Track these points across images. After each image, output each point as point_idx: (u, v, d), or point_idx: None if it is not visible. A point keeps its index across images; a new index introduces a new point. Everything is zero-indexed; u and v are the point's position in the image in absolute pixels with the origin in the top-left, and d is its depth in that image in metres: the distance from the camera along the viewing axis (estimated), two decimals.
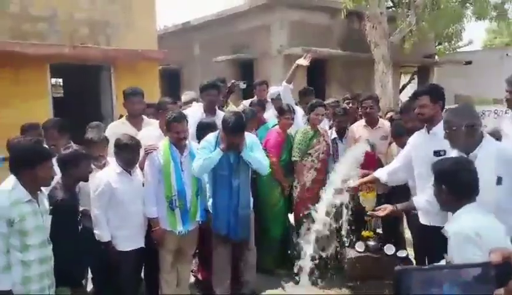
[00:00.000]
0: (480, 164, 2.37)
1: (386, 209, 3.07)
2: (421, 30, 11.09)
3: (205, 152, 3.41)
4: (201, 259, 4.04)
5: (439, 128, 3.00)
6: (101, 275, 3.44)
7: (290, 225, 4.56)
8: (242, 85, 5.05)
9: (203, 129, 3.84)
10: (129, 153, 3.30)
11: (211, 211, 3.60)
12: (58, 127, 3.64)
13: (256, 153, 3.53)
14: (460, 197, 2.14)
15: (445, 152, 2.94)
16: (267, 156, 3.92)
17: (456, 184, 2.14)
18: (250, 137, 3.61)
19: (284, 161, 4.35)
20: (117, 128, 4.03)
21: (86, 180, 3.09)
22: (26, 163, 2.45)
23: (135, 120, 4.13)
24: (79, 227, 3.04)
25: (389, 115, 5.45)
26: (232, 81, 5.20)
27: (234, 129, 3.33)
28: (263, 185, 4.23)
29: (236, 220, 3.50)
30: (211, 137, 3.54)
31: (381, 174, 3.39)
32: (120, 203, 3.27)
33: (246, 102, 5.22)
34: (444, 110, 3.17)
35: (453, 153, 2.70)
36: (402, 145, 3.72)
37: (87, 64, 8.43)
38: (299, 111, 4.90)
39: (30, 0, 7.70)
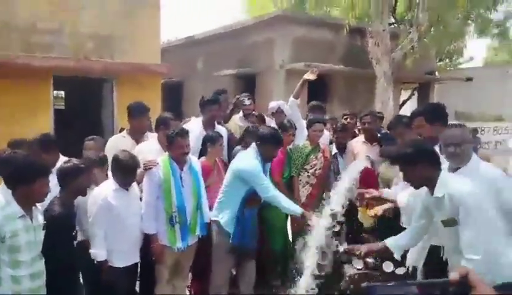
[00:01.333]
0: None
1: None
2: (422, 47, 11.17)
3: (264, 177, 3.43)
4: (195, 272, 3.99)
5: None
6: (95, 290, 3.40)
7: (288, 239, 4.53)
8: (247, 101, 5.03)
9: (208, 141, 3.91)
10: (126, 173, 3.26)
11: (225, 225, 3.52)
12: (41, 144, 3.58)
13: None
14: (438, 167, 2.40)
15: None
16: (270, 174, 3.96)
17: (434, 155, 2.42)
18: None
19: (287, 178, 4.35)
20: (118, 142, 4.01)
21: (84, 194, 3.07)
22: (23, 179, 2.44)
23: (136, 134, 4.12)
24: (74, 242, 3.02)
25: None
26: (237, 96, 5.19)
27: (279, 142, 3.55)
28: (267, 204, 4.23)
29: (253, 230, 3.60)
30: (255, 160, 3.46)
31: (389, 192, 3.38)
32: (117, 218, 3.24)
33: (235, 118, 5.15)
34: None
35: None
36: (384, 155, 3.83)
37: (89, 77, 8.51)
38: (304, 126, 4.90)
39: (38, 14, 7.82)
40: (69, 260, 2.85)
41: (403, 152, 2.50)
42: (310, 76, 4.78)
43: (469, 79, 16.36)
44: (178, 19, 46.04)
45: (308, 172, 4.29)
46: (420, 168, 2.39)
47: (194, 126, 4.24)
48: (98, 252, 3.18)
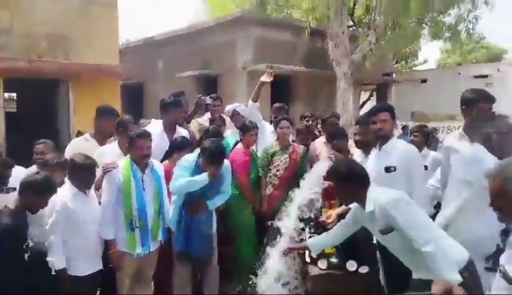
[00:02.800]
0: None
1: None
2: (380, 49, 11.52)
3: (185, 173, 3.37)
4: (157, 280, 3.89)
5: (390, 145, 3.17)
6: None
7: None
8: (209, 100, 4.96)
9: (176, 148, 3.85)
10: (85, 174, 3.16)
11: (173, 228, 3.50)
12: None
13: (225, 181, 3.60)
14: (367, 185, 2.56)
15: (395, 168, 3.08)
16: (234, 175, 3.97)
17: (363, 175, 2.58)
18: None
19: (253, 179, 4.33)
20: (81, 145, 3.84)
21: (34, 212, 2.92)
22: None
23: (102, 137, 3.97)
24: (26, 255, 2.84)
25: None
26: (199, 96, 5.12)
27: (218, 160, 3.40)
28: (234, 206, 4.18)
29: (199, 237, 3.48)
30: (191, 158, 3.48)
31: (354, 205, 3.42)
32: (77, 224, 3.12)
33: (201, 120, 5.09)
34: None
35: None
36: (335, 148, 3.93)
37: (43, 79, 8.13)
38: (267, 128, 4.89)
39: None
40: (21, 273, 2.68)
41: (336, 170, 2.66)
42: (266, 79, 4.80)
43: (423, 81, 17.06)
44: (136, 19, 45.08)
45: (271, 172, 4.30)
46: (350, 186, 2.56)
47: (155, 129, 4.13)
48: (55, 260, 3.03)
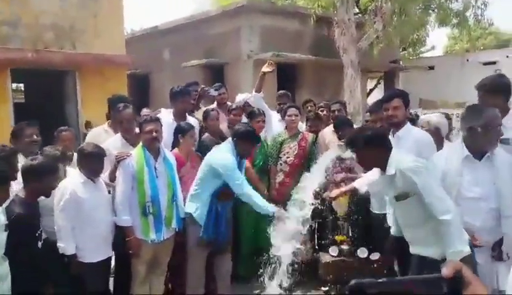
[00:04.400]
0: None
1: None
2: (387, 36, 11.38)
3: (239, 174, 3.39)
4: (172, 268, 3.93)
5: (404, 132, 3.16)
6: (66, 290, 3.27)
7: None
8: (214, 92, 4.94)
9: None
10: (93, 162, 3.18)
11: (199, 219, 3.47)
12: None
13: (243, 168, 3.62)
14: (390, 149, 2.56)
15: None
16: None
17: (386, 140, 2.62)
18: None
19: (258, 165, 4.34)
20: (100, 136, 3.84)
21: (48, 196, 2.93)
22: None
23: (119, 127, 3.95)
24: (39, 243, 2.87)
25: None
26: (202, 86, 5.11)
27: (257, 140, 3.59)
28: None
29: (226, 224, 3.54)
30: (229, 155, 3.40)
31: (361, 184, 3.41)
32: (87, 212, 3.14)
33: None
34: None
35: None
36: (341, 138, 3.88)
37: (50, 69, 8.14)
38: (274, 116, 4.88)
39: None
40: (34, 261, 2.71)
41: (358, 136, 2.64)
42: (267, 69, 4.80)
43: (431, 68, 16.88)
44: (140, 8, 44.87)
45: (281, 160, 4.31)
46: (374, 151, 2.54)
47: (166, 118, 4.13)
48: (66, 246, 3.06)
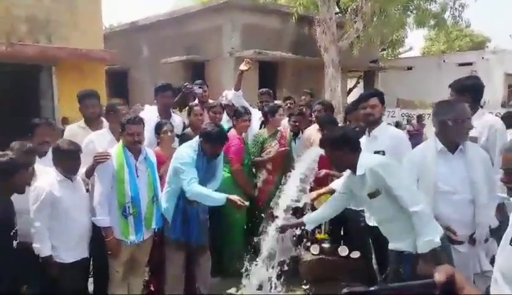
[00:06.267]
0: None
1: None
2: (367, 36, 11.52)
3: (192, 169, 3.27)
4: (152, 268, 3.86)
5: (379, 130, 3.29)
6: (42, 291, 3.17)
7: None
8: (198, 90, 4.86)
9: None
10: (70, 160, 3.08)
11: (168, 217, 3.44)
12: None
13: (218, 168, 3.58)
14: (358, 151, 2.65)
15: (384, 152, 3.16)
16: (228, 163, 3.99)
17: (355, 141, 2.68)
18: None
19: (247, 165, 4.34)
20: (78, 133, 3.73)
21: (22, 192, 2.83)
22: None
23: (94, 123, 3.86)
24: (15, 242, 2.77)
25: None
26: (185, 83, 5.04)
27: (222, 141, 3.41)
28: (226, 192, 4.15)
29: (197, 225, 3.44)
30: (189, 151, 3.35)
31: (338, 184, 3.42)
32: (64, 212, 3.05)
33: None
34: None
35: None
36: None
37: (25, 64, 7.88)
38: (256, 114, 4.86)
39: None
40: (9, 261, 2.61)
41: (330, 137, 2.73)
42: (244, 67, 4.82)
43: (409, 68, 17.17)
44: (120, 3, 44.08)
45: (264, 158, 4.32)
46: (341, 152, 2.63)
47: (151, 116, 4.05)
48: (41, 247, 2.97)
